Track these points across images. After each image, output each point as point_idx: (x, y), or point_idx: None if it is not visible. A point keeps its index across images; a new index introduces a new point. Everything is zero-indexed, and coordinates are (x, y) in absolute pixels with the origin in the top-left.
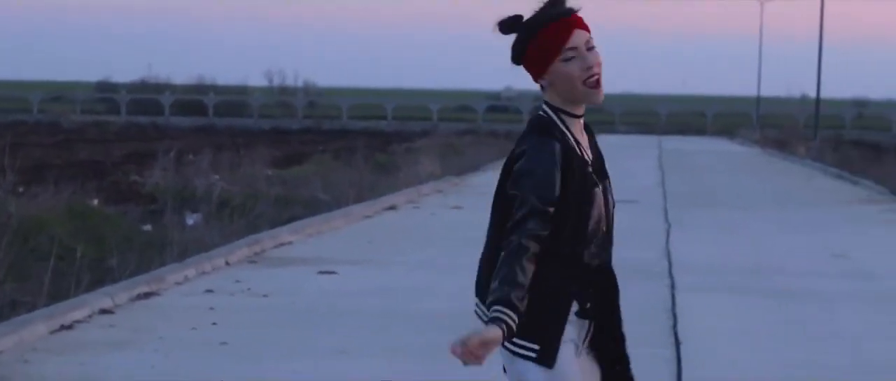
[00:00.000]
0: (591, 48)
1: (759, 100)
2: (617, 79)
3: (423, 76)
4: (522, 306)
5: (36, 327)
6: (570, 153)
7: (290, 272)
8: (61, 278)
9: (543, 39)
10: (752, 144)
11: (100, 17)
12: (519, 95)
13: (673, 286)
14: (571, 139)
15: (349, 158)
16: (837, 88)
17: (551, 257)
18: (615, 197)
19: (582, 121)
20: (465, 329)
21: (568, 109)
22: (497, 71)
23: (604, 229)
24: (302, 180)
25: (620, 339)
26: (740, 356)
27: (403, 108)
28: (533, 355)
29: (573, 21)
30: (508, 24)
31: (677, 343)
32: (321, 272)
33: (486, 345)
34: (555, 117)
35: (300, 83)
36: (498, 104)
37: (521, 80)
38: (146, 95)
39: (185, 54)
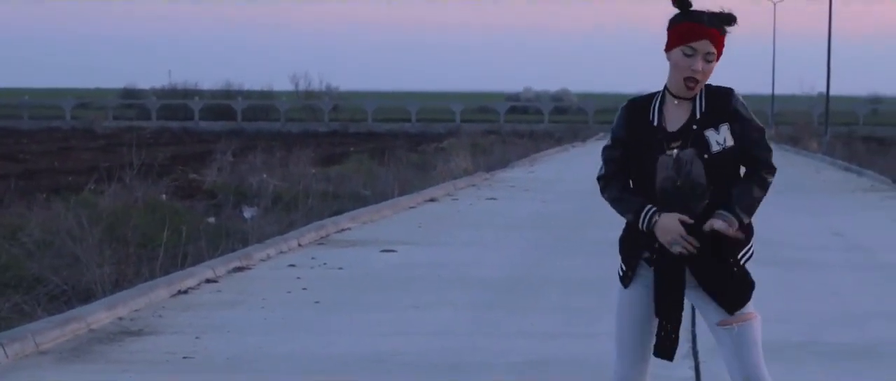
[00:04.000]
0: (708, 60)
1: (773, 98)
2: (631, 80)
3: (442, 79)
4: (637, 203)
5: (159, 292)
6: (636, 121)
7: (355, 251)
8: (150, 261)
9: (682, 29)
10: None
11: (120, 26)
12: (537, 96)
13: None
14: (653, 112)
15: (382, 157)
16: (852, 85)
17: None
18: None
19: (683, 101)
20: (511, 292)
21: (670, 88)
22: (516, 72)
23: (676, 186)
24: (344, 178)
25: (678, 298)
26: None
27: (426, 110)
28: (620, 273)
29: (708, 32)
30: (679, 2)
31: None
32: (383, 251)
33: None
34: (657, 94)
35: (324, 87)
36: (518, 105)
37: (540, 81)
38: (175, 101)
39: (204, 61)
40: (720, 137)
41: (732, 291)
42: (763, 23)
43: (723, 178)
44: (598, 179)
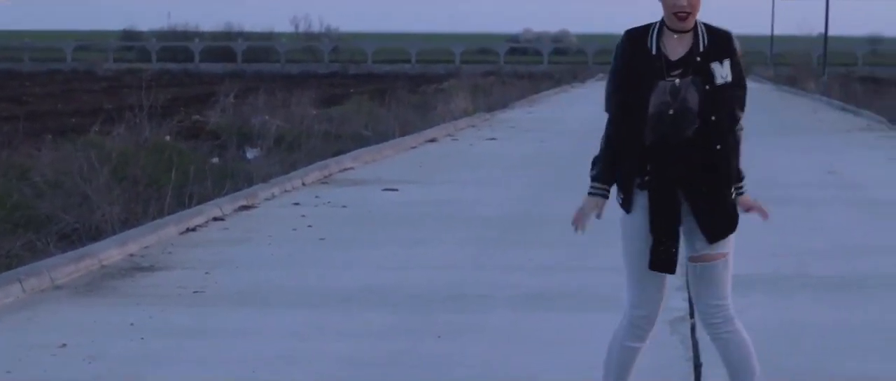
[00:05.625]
0: None
1: (772, 38)
2: (632, 21)
3: (442, 20)
4: (598, 173)
5: (168, 229)
6: (636, 50)
7: (358, 190)
8: (158, 200)
9: None
10: (765, 80)
11: None
12: (537, 37)
13: None
14: (650, 41)
15: (383, 99)
16: (852, 25)
17: (626, 132)
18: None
19: (682, 34)
20: (511, 229)
21: (667, 24)
22: (515, 13)
23: (671, 112)
24: (346, 119)
25: (672, 215)
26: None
27: (426, 51)
28: (619, 200)
29: None
30: None
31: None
32: (385, 190)
33: (581, 211)
34: (654, 25)
35: (324, 28)
36: (518, 46)
37: (540, 22)
38: (175, 43)
39: (204, 2)
40: (724, 72)
41: (719, 220)
42: None
43: (721, 111)
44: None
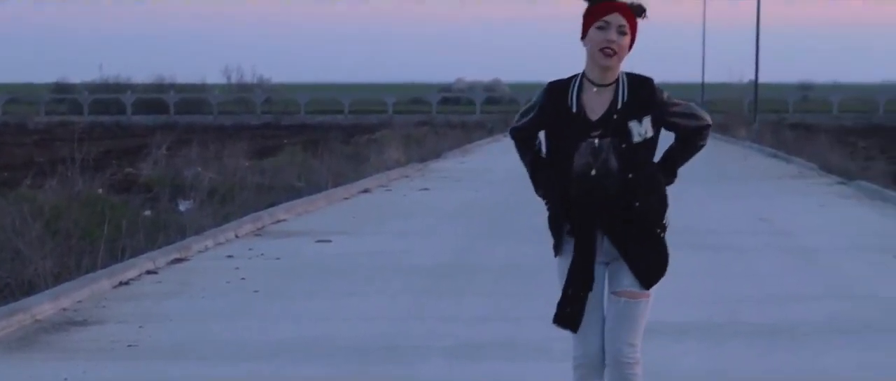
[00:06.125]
0: (622, 32)
1: (703, 86)
2: (563, 71)
3: (375, 71)
4: (542, 192)
5: (101, 283)
6: (558, 103)
7: (291, 241)
8: (90, 254)
9: (593, 10)
10: None
11: (50, 18)
12: (470, 87)
13: None
14: (570, 97)
15: (316, 149)
16: (783, 72)
17: (551, 184)
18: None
19: (602, 88)
20: (444, 278)
21: (588, 76)
22: (449, 63)
23: (593, 173)
24: (279, 170)
25: (585, 263)
26: (665, 291)
27: (359, 102)
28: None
29: (618, 7)
30: None
31: None
32: (318, 241)
33: None
34: (575, 79)
35: (256, 79)
36: (450, 96)
37: (472, 72)
38: (107, 95)
39: (136, 53)
40: (642, 129)
41: (651, 264)
42: (693, 11)
43: (638, 170)
44: (512, 129)
